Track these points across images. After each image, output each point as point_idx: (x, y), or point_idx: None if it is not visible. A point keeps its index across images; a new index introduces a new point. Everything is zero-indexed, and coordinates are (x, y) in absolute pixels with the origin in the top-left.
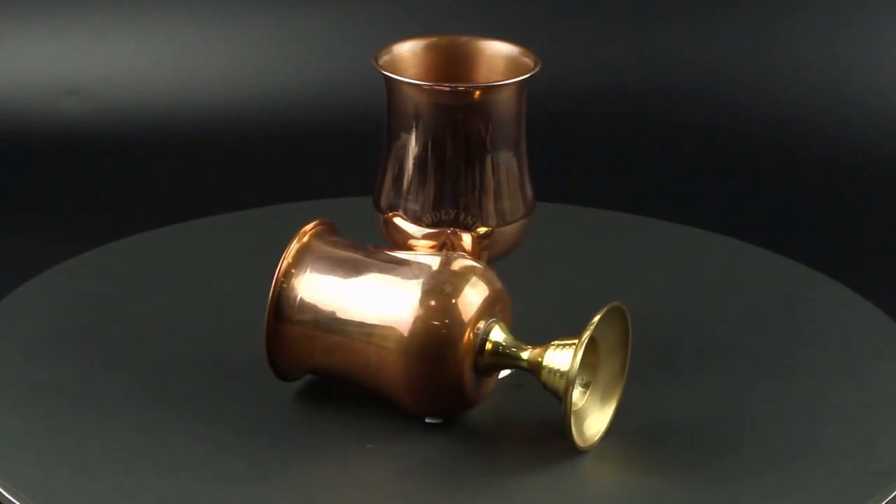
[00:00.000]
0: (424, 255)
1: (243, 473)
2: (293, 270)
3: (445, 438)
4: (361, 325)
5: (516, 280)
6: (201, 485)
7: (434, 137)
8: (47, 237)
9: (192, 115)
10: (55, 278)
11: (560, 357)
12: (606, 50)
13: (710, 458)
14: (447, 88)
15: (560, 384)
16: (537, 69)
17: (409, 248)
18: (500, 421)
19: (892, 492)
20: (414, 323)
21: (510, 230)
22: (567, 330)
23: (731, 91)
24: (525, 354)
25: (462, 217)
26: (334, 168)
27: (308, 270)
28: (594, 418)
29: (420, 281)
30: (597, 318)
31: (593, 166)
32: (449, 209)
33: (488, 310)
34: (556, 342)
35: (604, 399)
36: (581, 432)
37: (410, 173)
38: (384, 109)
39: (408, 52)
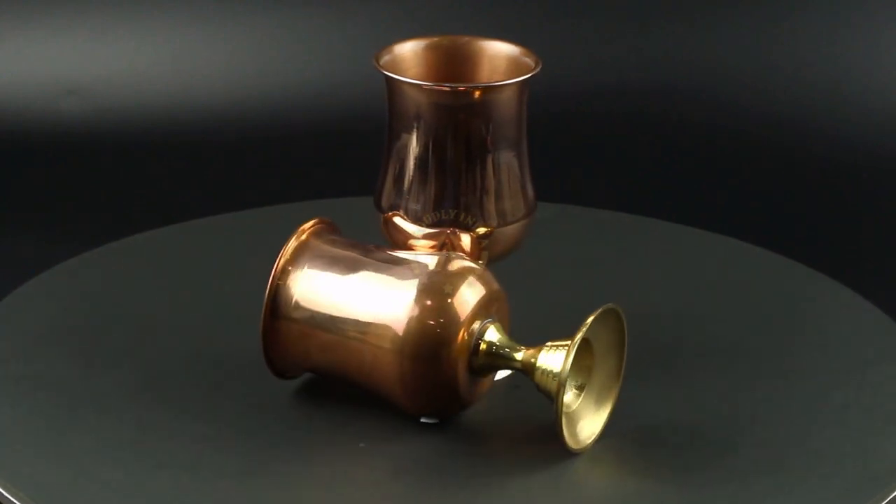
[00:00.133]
0: (421, 254)
1: (238, 472)
2: (290, 268)
3: (439, 438)
4: (357, 323)
5: (516, 280)
6: (200, 483)
7: (435, 137)
8: (47, 237)
9: (192, 115)
10: (55, 278)
11: (553, 358)
12: (606, 50)
13: (708, 459)
14: (447, 88)
15: (552, 385)
16: (538, 69)
17: (409, 248)
18: (495, 422)
19: (893, 492)
20: (409, 322)
21: (511, 230)
22: (567, 330)
23: (731, 91)
24: (519, 355)
25: (462, 217)
26: (334, 168)
27: (305, 268)
28: (588, 421)
29: (416, 280)
30: (590, 320)
31: (593, 166)
32: (449, 209)
33: (484, 310)
34: (550, 343)
35: (599, 402)
36: (574, 434)
37: (411, 173)
38: (385, 109)
39: (409, 52)
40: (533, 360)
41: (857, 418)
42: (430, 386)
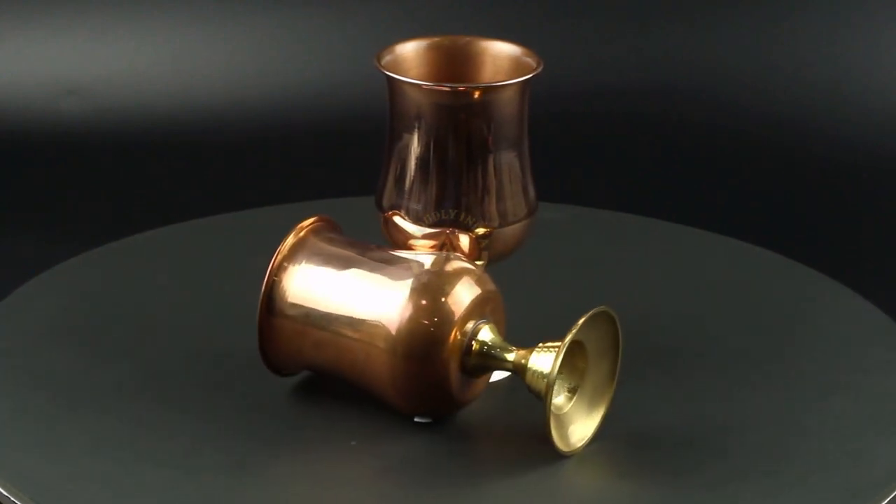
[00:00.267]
0: (417, 254)
1: (234, 469)
2: (287, 265)
3: (431, 438)
4: (350, 321)
5: (516, 280)
6: (196, 480)
7: (436, 138)
8: (47, 237)
9: (192, 115)
10: (55, 278)
11: (543, 360)
12: (606, 50)
13: (703, 462)
14: (448, 89)
15: (542, 386)
16: (539, 69)
17: (410, 248)
18: (488, 422)
19: (892, 493)
20: (402, 321)
21: (512, 230)
22: (564, 331)
23: (731, 91)
24: (511, 356)
25: (463, 217)
26: (334, 168)
27: (302, 265)
28: (580, 424)
29: (410, 279)
30: (581, 322)
31: (593, 166)
32: (450, 209)
33: (478, 310)
34: (542, 345)
35: (592, 405)
36: (564, 437)
37: (412, 173)
38: (386, 109)
39: (410, 52)
40: (524, 360)
41: (857, 420)
42: (422, 385)
